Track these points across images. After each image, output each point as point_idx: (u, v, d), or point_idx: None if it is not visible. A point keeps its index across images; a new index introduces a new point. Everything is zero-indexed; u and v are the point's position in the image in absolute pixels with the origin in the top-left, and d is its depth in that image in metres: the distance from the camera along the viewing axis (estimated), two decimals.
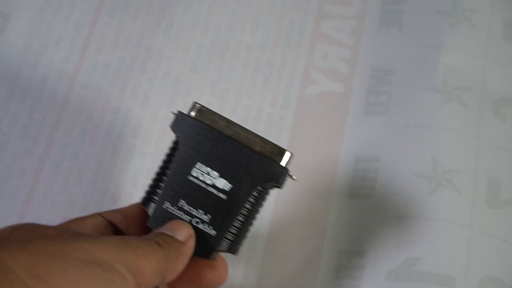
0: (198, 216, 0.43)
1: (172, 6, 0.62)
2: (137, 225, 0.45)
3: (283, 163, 0.44)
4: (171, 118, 0.56)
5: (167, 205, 0.43)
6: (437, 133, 0.55)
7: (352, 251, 0.52)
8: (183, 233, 0.42)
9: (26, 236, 0.37)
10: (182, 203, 0.43)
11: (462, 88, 0.57)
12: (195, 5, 0.62)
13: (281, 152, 0.44)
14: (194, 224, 0.43)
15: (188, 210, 0.43)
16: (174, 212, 0.43)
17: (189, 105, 0.44)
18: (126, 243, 0.39)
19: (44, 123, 0.57)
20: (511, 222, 0.53)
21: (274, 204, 0.54)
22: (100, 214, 0.44)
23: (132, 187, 0.55)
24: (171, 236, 0.42)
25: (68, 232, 0.38)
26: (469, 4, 0.60)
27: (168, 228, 0.42)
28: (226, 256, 0.50)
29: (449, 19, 0.60)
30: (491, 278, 0.51)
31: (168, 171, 0.44)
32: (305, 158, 0.56)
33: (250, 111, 0.58)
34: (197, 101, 0.45)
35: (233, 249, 0.44)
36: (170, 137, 0.57)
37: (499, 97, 0.58)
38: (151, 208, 0.44)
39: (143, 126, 0.57)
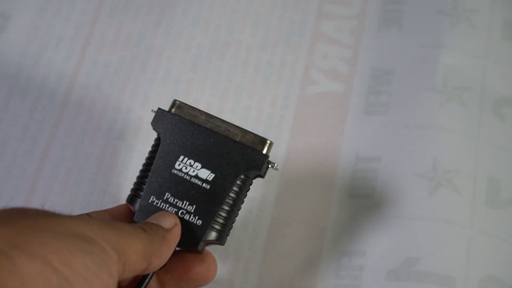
0: (184, 207, 0.44)
1: (172, 6, 0.62)
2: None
3: (264, 151, 0.45)
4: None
5: (152, 199, 0.44)
6: (437, 133, 0.55)
7: (352, 251, 0.52)
8: (168, 221, 0.43)
9: (6, 215, 0.38)
10: (167, 196, 0.44)
11: (462, 88, 0.57)
12: (195, 5, 0.62)
13: (262, 141, 0.45)
14: (180, 216, 0.44)
15: (173, 202, 0.44)
16: (159, 205, 0.44)
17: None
18: (108, 223, 0.39)
19: (44, 123, 0.57)
20: (511, 222, 0.53)
21: (274, 204, 0.55)
22: (87, 214, 0.45)
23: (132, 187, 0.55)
24: (156, 224, 0.42)
25: (49, 212, 0.39)
26: (469, 4, 0.60)
27: (153, 218, 0.43)
28: (219, 252, 0.50)
29: (449, 19, 0.60)
30: (491, 278, 0.51)
31: (151, 167, 0.45)
32: (305, 158, 0.56)
33: (250, 111, 0.58)
34: (176, 99, 0.46)
35: (220, 238, 0.45)
36: None
37: (499, 97, 0.58)
38: (137, 204, 0.44)
39: (143, 126, 0.57)
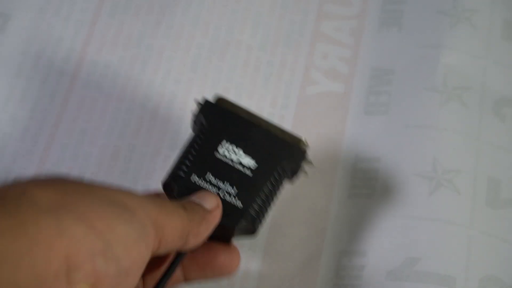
0: (225, 188, 0.45)
1: (172, 6, 0.62)
2: None
3: (301, 148, 0.47)
4: (171, 117, 0.57)
5: (194, 178, 0.45)
6: (437, 133, 0.55)
7: (352, 251, 0.52)
8: (210, 202, 0.43)
9: (51, 177, 0.38)
10: (210, 176, 0.45)
11: (462, 88, 0.57)
12: (195, 5, 0.62)
13: (299, 140, 0.47)
14: (221, 196, 0.44)
15: (215, 183, 0.45)
16: (201, 184, 0.45)
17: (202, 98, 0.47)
18: (151, 198, 0.40)
19: (44, 124, 0.57)
20: (511, 222, 0.53)
21: None
22: None
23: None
24: (198, 203, 0.43)
25: (92, 181, 0.39)
26: (469, 4, 0.60)
27: (196, 197, 0.43)
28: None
29: (449, 19, 0.60)
30: (491, 278, 0.51)
31: (193, 151, 0.46)
32: None
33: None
34: (219, 93, 0.47)
35: (255, 225, 0.45)
36: (170, 136, 0.57)
37: (499, 97, 0.58)
38: (177, 182, 0.45)
39: (143, 126, 0.57)
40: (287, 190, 0.55)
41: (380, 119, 0.57)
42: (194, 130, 0.48)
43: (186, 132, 0.56)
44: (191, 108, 0.48)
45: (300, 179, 0.55)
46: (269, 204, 0.46)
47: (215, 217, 0.43)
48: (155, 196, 0.41)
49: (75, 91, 0.59)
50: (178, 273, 0.46)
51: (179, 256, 0.44)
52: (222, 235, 0.46)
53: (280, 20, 0.62)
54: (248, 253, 0.52)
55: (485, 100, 0.57)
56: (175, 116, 0.58)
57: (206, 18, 0.62)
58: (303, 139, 0.47)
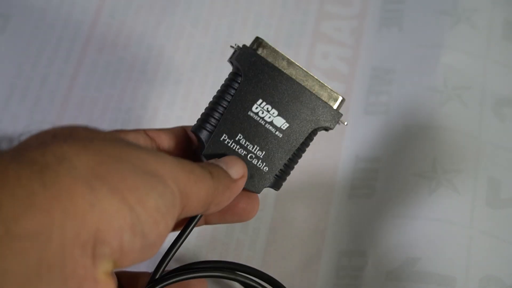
0: (254, 151, 0.44)
1: (172, 6, 0.62)
2: (180, 148, 0.46)
3: (335, 107, 0.45)
4: (171, 117, 0.57)
5: (224, 137, 0.44)
6: (437, 133, 0.55)
7: (352, 251, 0.52)
8: (238, 171, 0.43)
9: (87, 136, 0.37)
10: (240, 137, 0.44)
11: (462, 88, 0.57)
12: (195, 6, 0.62)
13: (335, 97, 0.45)
14: (249, 159, 0.44)
15: (244, 145, 0.44)
16: (230, 145, 0.44)
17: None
18: (181, 163, 0.39)
19: (44, 123, 0.57)
20: (511, 222, 0.53)
21: (274, 204, 0.55)
22: (144, 130, 0.45)
23: None
24: (224, 171, 0.42)
25: (125, 140, 0.39)
26: (470, 3, 0.60)
27: (223, 162, 0.43)
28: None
29: (449, 18, 0.60)
30: (491, 278, 0.51)
31: (225, 103, 0.45)
32: (305, 158, 0.56)
33: None
34: (260, 36, 0.45)
35: (278, 185, 0.45)
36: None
37: (499, 97, 0.58)
38: (205, 137, 0.44)
39: (143, 126, 0.57)
40: (287, 190, 0.55)
41: (380, 119, 0.57)
42: (230, 74, 0.46)
43: None
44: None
45: (301, 179, 0.55)
46: (295, 162, 0.46)
47: (239, 187, 0.43)
48: (184, 160, 0.40)
49: (75, 91, 0.59)
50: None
51: (195, 217, 0.44)
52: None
53: (281, 20, 0.62)
54: (248, 253, 0.52)
55: (485, 100, 0.57)
56: (175, 116, 0.58)
57: (206, 18, 0.62)
58: (340, 97, 0.46)
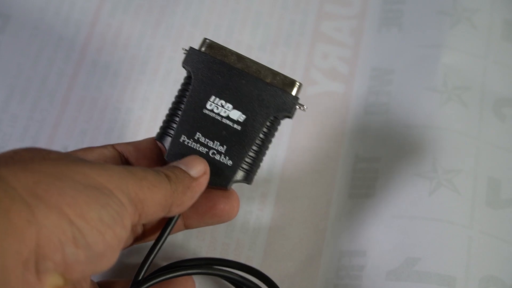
0: (215, 147, 0.45)
1: (172, 6, 0.62)
2: (148, 158, 0.47)
3: (293, 93, 0.46)
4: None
5: (183, 138, 0.45)
6: (437, 133, 0.55)
7: (352, 251, 0.52)
8: (198, 169, 0.43)
9: (29, 157, 0.38)
10: (198, 135, 0.45)
11: (462, 88, 0.57)
12: (195, 5, 0.62)
13: (292, 82, 0.46)
14: (211, 156, 0.45)
15: (204, 142, 0.45)
16: (190, 145, 0.45)
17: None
18: (130, 172, 0.40)
19: (44, 124, 0.57)
20: (511, 222, 0.53)
21: (274, 204, 0.54)
22: (111, 145, 0.46)
23: None
24: (184, 171, 0.43)
25: (70, 157, 0.39)
26: (469, 3, 0.60)
27: (183, 163, 0.43)
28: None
29: (449, 18, 0.60)
30: (491, 278, 0.51)
31: (182, 106, 0.45)
32: (305, 158, 0.56)
33: None
34: (207, 37, 0.46)
35: (248, 178, 0.46)
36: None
37: (499, 97, 0.58)
38: (167, 142, 0.45)
39: (143, 126, 0.57)
40: (287, 190, 0.55)
41: (380, 119, 0.57)
42: (184, 79, 0.47)
43: None
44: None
45: (301, 179, 0.55)
46: (262, 153, 0.46)
47: (202, 185, 0.43)
48: (137, 167, 0.41)
49: (75, 91, 0.59)
50: (178, 221, 0.46)
51: (171, 219, 0.45)
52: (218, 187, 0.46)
53: (280, 20, 0.62)
54: (248, 253, 0.52)
55: (485, 100, 0.57)
56: None
57: (206, 18, 0.62)
58: (297, 83, 0.46)
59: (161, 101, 0.58)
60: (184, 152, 0.45)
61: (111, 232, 0.37)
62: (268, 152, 0.47)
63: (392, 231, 0.52)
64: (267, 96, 0.45)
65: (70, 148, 0.57)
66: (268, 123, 0.45)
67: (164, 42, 0.61)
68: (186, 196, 0.42)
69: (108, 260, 0.38)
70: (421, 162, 0.54)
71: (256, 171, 0.46)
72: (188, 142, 0.45)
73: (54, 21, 0.61)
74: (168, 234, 0.45)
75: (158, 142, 0.46)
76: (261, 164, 0.46)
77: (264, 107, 0.45)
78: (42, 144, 0.56)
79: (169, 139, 0.45)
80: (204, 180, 0.44)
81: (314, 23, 0.62)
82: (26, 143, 0.56)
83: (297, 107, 0.46)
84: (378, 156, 0.56)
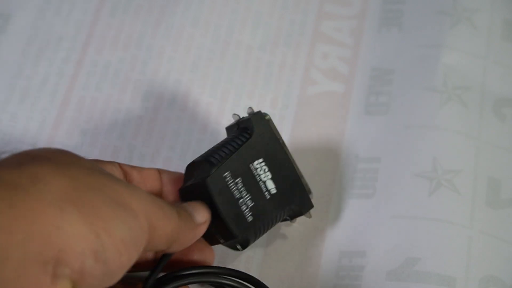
0: (245, 198, 0.47)
1: (172, 6, 0.62)
2: (147, 187, 0.48)
3: (311, 197, 0.50)
4: (171, 117, 0.56)
5: (227, 174, 0.47)
6: (437, 133, 0.55)
7: (352, 251, 0.52)
8: (202, 216, 0.45)
9: (66, 162, 0.39)
10: (238, 180, 0.47)
11: (462, 88, 0.57)
12: (195, 5, 0.62)
13: (309, 190, 0.50)
14: (239, 204, 0.47)
15: (240, 189, 0.47)
16: (229, 184, 0.47)
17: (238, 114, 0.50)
18: (153, 199, 0.41)
19: (44, 124, 0.57)
20: (511, 222, 0.53)
21: None
22: (118, 163, 0.47)
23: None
24: (190, 213, 0.44)
25: (101, 170, 0.40)
26: (469, 3, 0.60)
27: (191, 206, 0.45)
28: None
29: (449, 18, 0.60)
30: (491, 278, 0.51)
31: (235, 149, 0.48)
32: (305, 158, 0.56)
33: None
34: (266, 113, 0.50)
35: (247, 243, 0.48)
36: (170, 137, 0.57)
37: (499, 97, 0.58)
38: (211, 168, 0.47)
39: (143, 126, 0.57)
40: None
41: (380, 119, 0.57)
42: (232, 130, 0.50)
43: (186, 132, 0.57)
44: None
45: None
46: (266, 230, 0.49)
47: (201, 231, 0.45)
48: (155, 196, 0.42)
49: (75, 91, 0.59)
50: (150, 256, 0.47)
51: (167, 255, 0.46)
52: (212, 233, 0.47)
53: (280, 20, 0.62)
54: (248, 254, 0.52)
55: (485, 100, 0.57)
56: (175, 116, 0.58)
57: (206, 18, 0.62)
58: (312, 193, 0.50)
59: (161, 100, 0.58)
60: (223, 187, 0.47)
61: (127, 254, 0.38)
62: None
63: (392, 231, 0.52)
64: (296, 188, 0.49)
65: (70, 148, 0.56)
66: (285, 209, 0.49)
67: (164, 42, 0.61)
68: (188, 236, 0.44)
69: (113, 280, 0.38)
70: (421, 162, 0.54)
71: (254, 240, 0.49)
72: (228, 180, 0.47)
73: (54, 21, 0.61)
74: (161, 268, 0.46)
75: (190, 166, 0.48)
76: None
77: (291, 195, 0.49)
78: (42, 144, 0.56)
79: (213, 167, 0.47)
80: (204, 228, 0.45)
81: (314, 23, 0.62)
82: (26, 143, 0.56)
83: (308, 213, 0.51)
84: (378, 156, 0.56)
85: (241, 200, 0.47)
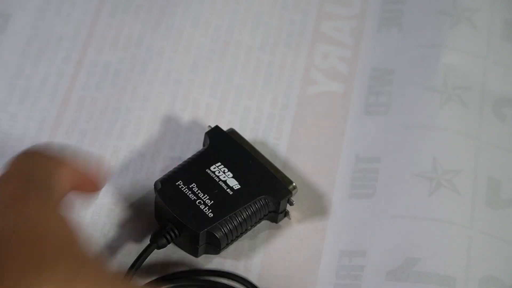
0: (203, 199, 0.49)
1: (172, 7, 0.62)
2: None
3: (289, 188, 0.51)
4: (171, 117, 0.56)
5: (179, 183, 0.49)
6: (437, 133, 0.55)
7: (352, 251, 0.52)
8: None
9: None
10: (193, 185, 0.49)
11: (462, 88, 0.57)
12: (195, 6, 0.62)
13: (290, 181, 0.51)
14: (197, 203, 0.49)
15: (196, 191, 0.49)
16: (183, 190, 0.49)
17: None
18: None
19: (44, 124, 0.57)
20: (511, 222, 0.53)
21: None
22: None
23: (132, 188, 0.55)
24: None
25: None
26: (469, 3, 0.60)
27: None
28: (219, 254, 0.50)
29: (449, 18, 0.60)
30: (491, 278, 0.51)
31: (189, 162, 0.51)
32: (305, 158, 0.56)
33: (250, 112, 0.58)
34: (232, 127, 0.53)
35: (221, 242, 0.49)
36: (170, 137, 0.57)
37: (499, 97, 0.58)
38: (163, 183, 0.50)
39: (143, 126, 0.57)
40: None
41: (380, 119, 0.57)
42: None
43: (186, 132, 0.57)
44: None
45: (301, 179, 0.55)
46: (241, 229, 0.50)
47: None
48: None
49: (75, 91, 0.59)
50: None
51: (148, 248, 0.48)
52: (188, 244, 0.49)
53: (280, 20, 0.62)
54: (248, 253, 0.52)
55: (485, 100, 0.57)
56: (175, 116, 0.58)
57: (206, 18, 0.62)
58: (294, 184, 0.51)
59: (161, 101, 0.58)
60: (175, 194, 0.49)
61: None
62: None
63: (392, 231, 0.52)
64: (265, 179, 0.51)
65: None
66: (258, 202, 0.50)
67: (164, 42, 0.61)
68: None
69: None
70: (421, 162, 0.54)
71: (228, 241, 0.50)
72: (182, 187, 0.49)
73: (54, 21, 0.61)
74: (142, 262, 0.49)
75: (156, 184, 0.50)
76: (237, 239, 0.50)
77: (259, 186, 0.50)
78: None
79: (166, 179, 0.50)
80: None
81: (314, 23, 0.62)
82: (26, 143, 0.56)
83: (287, 210, 0.52)
84: (378, 156, 0.56)
85: (198, 201, 0.49)
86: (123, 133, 0.57)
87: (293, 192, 0.51)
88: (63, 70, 0.59)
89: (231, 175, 0.50)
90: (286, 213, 0.52)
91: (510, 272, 0.51)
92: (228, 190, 0.49)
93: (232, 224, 0.49)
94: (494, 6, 0.61)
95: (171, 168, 0.52)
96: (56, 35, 0.61)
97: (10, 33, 0.60)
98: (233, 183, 0.50)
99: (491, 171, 0.55)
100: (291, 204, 0.51)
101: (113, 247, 0.52)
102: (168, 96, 0.58)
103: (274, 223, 0.53)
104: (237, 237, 0.50)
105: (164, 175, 0.51)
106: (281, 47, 0.61)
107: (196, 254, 0.50)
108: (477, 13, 0.60)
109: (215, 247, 0.49)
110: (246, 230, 0.51)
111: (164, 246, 0.49)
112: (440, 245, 0.51)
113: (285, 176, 0.52)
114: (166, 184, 0.49)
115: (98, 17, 0.62)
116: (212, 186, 0.50)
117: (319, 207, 0.54)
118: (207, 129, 0.53)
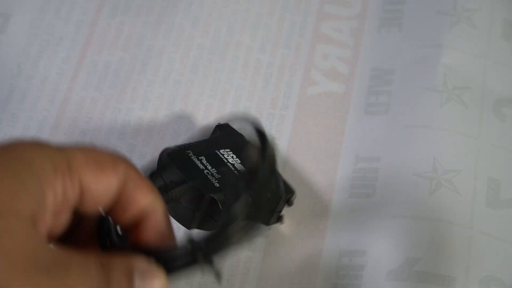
0: (211, 171, 0.49)
1: (172, 7, 0.62)
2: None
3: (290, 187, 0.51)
4: (171, 118, 0.57)
5: (189, 152, 0.49)
6: (437, 133, 0.55)
7: (352, 251, 0.52)
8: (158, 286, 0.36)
9: None
10: (202, 158, 0.49)
11: (462, 88, 0.57)
12: (195, 6, 0.62)
13: (292, 191, 0.52)
14: (204, 173, 0.49)
15: (204, 163, 0.49)
16: (192, 158, 0.49)
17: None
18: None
19: (44, 124, 0.57)
20: (511, 222, 0.53)
21: None
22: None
23: None
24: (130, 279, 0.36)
25: None
26: (469, 3, 0.60)
27: (141, 276, 0.36)
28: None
29: (449, 18, 0.60)
30: (491, 278, 0.51)
31: (199, 141, 0.51)
32: (305, 158, 0.56)
33: (250, 112, 0.58)
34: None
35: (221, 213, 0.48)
36: (170, 137, 0.57)
37: (499, 97, 0.58)
38: (173, 149, 0.49)
39: (143, 126, 0.57)
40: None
41: (380, 119, 0.57)
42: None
43: (186, 132, 0.57)
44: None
45: (301, 179, 0.55)
46: (243, 208, 0.47)
47: None
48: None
49: (75, 92, 0.59)
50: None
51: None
52: (183, 212, 0.48)
53: (280, 21, 0.62)
54: (248, 254, 0.52)
55: (485, 100, 0.57)
56: (175, 116, 0.58)
57: (206, 19, 0.62)
58: (296, 192, 0.52)
59: (161, 101, 0.58)
60: (185, 160, 0.48)
61: None
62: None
63: (392, 231, 0.52)
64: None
65: None
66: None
67: (164, 43, 0.61)
68: None
69: None
70: (421, 162, 0.54)
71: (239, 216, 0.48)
72: (191, 156, 0.49)
73: (54, 21, 0.61)
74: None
75: (162, 152, 0.49)
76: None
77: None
78: None
79: (175, 148, 0.49)
80: None
81: (314, 23, 0.62)
82: None
83: (281, 214, 0.51)
84: (378, 156, 0.56)
85: (206, 171, 0.49)
86: (123, 133, 0.57)
87: (293, 198, 0.51)
88: (63, 70, 0.59)
89: (239, 161, 0.50)
90: (279, 218, 0.51)
91: (510, 272, 0.51)
92: (235, 171, 0.50)
93: (235, 203, 0.46)
94: (494, 6, 0.61)
95: None
96: (56, 35, 0.61)
97: (10, 33, 0.61)
98: (241, 168, 0.50)
99: (491, 171, 0.55)
100: (290, 204, 0.51)
101: None
102: (168, 96, 0.59)
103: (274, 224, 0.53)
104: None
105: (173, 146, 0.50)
106: (281, 48, 0.61)
107: (189, 225, 0.48)
108: (477, 13, 0.60)
109: (213, 222, 0.48)
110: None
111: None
112: (440, 245, 0.51)
113: (287, 183, 0.52)
114: (176, 150, 0.49)
115: (98, 17, 0.62)
116: (220, 164, 0.49)
117: (319, 207, 0.54)
118: (214, 127, 0.53)
